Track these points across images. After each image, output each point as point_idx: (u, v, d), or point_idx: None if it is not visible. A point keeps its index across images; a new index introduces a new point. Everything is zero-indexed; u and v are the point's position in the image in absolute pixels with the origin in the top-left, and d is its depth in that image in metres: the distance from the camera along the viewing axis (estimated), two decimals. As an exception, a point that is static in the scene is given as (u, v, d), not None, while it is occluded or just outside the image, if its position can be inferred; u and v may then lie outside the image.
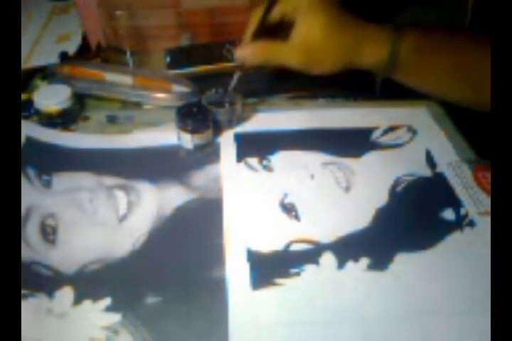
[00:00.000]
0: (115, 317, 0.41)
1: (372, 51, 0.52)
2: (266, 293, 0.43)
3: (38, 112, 0.60)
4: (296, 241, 0.47)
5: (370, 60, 0.53)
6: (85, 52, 0.72)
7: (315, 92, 0.66)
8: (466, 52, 0.53)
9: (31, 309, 0.41)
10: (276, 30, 0.53)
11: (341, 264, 0.45)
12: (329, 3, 0.51)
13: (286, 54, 0.52)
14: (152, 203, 0.51)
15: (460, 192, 0.52)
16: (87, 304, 0.42)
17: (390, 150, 0.57)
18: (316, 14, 0.50)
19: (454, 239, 0.47)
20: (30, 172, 0.53)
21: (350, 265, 0.45)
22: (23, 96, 0.63)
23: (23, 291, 0.42)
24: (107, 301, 0.42)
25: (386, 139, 0.59)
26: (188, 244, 0.47)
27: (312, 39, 0.50)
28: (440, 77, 0.54)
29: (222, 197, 0.51)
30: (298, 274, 0.44)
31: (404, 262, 0.45)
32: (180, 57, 0.69)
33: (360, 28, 0.52)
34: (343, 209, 0.50)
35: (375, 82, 0.60)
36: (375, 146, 0.58)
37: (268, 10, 0.52)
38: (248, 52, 0.52)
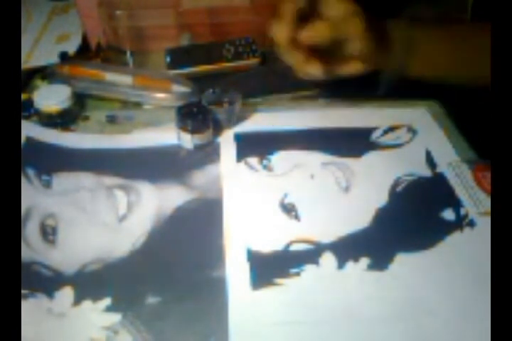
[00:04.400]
0: (115, 317, 0.41)
1: (393, 28, 0.54)
2: (266, 293, 0.43)
3: (38, 112, 0.60)
4: (296, 241, 0.47)
5: (393, 35, 0.54)
6: (85, 52, 0.72)
7: (315, 92, 0.66)
8: (464, 34, 0.57)
9: (31, 309, 0.41)
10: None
11: (341, 264, 0.45)
12: None
13: (348, 21, 0.51)
14: (152, 203, 0.51)
15: (460, 192, 0.52)
16: (87, 304, 0.42)
17: (390, 150, 0.57)
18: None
19: (454, 239, 0.47)
20: (30, 172, 0.53)
21: (350, 265, 0.45)
22: (23, 96, 0.63)
23: (23, 291, 0.42)
24: (107, 301, 0.42)
25: (386, 139, 0.59)
26: (188, 244, 0.47)
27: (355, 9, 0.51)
28: (444, 58, 0.57)
29: (222, 197, 0.51)
30: (298, 274, 0.44)
31: (404, 262, 0.45)
32: (180, 57, 0.69)
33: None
34: (343, 209, 0.50)
35: (378, 82, 0.60)
36: (375, 146, 0.58)
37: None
38: (313, 33, 0.50)
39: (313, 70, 0.52)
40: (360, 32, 0.51)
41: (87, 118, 0.63)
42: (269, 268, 0.45)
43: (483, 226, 0.48)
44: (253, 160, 0.56)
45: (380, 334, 0.40)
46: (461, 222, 0.49)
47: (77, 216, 0.49)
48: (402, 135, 0.59)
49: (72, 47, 0.72)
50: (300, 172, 0.54)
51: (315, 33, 0.50)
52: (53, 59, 0.69)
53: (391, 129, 0.60)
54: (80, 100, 0.63)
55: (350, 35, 0.51)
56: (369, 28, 0.51)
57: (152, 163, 0.56)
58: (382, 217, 0.50)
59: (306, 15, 0.51)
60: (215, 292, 0.43)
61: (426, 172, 0.55)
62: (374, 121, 0.61)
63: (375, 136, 0.59)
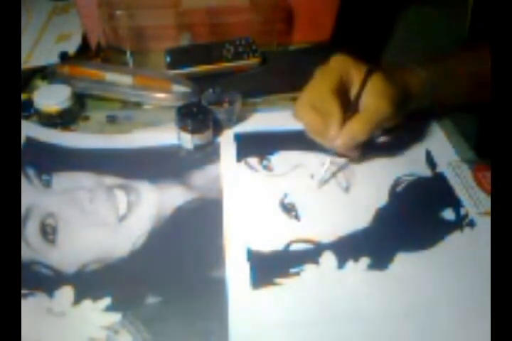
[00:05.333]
0: (115, 317, 0.41)
1: (414, 81, 0.54)
2: (266, 293, 0.43)
3: (38, 112, 0.60)
4: (296, 241, 0.47)
5: (416, 90, 0.54)
6: (85, 52, 0.72)
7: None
8: (474, 64, 0.57)
9: (31, 309, 0.41)
10: None
11: (341, 264, 0.45)
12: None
13: (379, 110, 0.50)
14: (152, 203, 0.51)
15: (460, 192, 0.52)
16: (87, 304, 0.42)
17: (390, 150, 0.57)
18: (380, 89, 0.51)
19: (454, 239, 0.47)
20: (30, 172, 0.53)
21: (350, 265, 0.45)
22: (23, 96, 0.63)
23: (23, 291, 0.42)
24: (107, 301, 0.42)
25: (386, 139, 0.59)
26: (188, 244, 0.47)
27: (379, 87, 0.51)
28: (462, 92, 0.58)
29: (222, 197, 0.51)
30: (298, 274, 0.44)
31: (404, 262, 0.45)
32: (180, 57, 0.69)
33: (398, 69, 0.55)
34: (343, 209, 0.50)
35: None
36: (375, 146, 0.58)
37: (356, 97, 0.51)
38: (348, 140, 0.49)
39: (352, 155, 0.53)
40: (392, 112, 0.50)
41: (87, 118, 0.63)
42: (269, 268, 0.45)
43: (483, 226, 0.48)
44: (253, 160, 0.56)
45: (380, 333, 0.40)
46: (461, 222, 0.49)
47: (77, 216, 0.49)
48: (402, 135, 0.59)
49: (72, 47, 0.72)
50: (300, 172, 0.54)
51: (351, 139, 0.49)
52: (53, 59, 0.70)
53: (391, 129, 0.60)
54: (80, 100, 0.63)
55: (384, 120, 0.51)
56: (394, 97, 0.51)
57: (152, 163, 0.56)
58: (382, 217, 0.50)
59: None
60: (215, 292, 0.43)
61: (426, 172, 0.55)
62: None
63: (375, 136, 0.59)
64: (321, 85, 0.51)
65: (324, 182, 0.53)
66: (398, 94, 0.51)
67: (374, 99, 0.50)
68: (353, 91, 0.52)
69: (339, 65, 0.52)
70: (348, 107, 0.51)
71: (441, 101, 0.57)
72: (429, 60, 0.57)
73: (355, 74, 0.51)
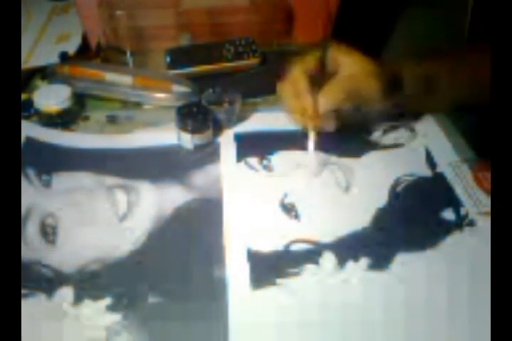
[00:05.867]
0: (115, 317, 0.41)
1: (408, 73, 0.54)
2: (266, 293, 0.43)
3: (38, 112, 0.60)
4: (296, 241, 0.47)
5: (408, 81, 0.54)
6: (85, 52, 0.72)
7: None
8: (475, 64, 0.56)
9: (31, 309, 0.41)
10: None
11: (341, 264, 0.45)
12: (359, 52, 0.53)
13: (357, 78, 0.51)
14: (152, 203, 0.51)
15: (460, 192, 0.52)
16: (87, 304, 0.42)
17: (390, 150, 0.57)
18: (357, 58, 0.52)
19: (454, 239, 0.47)
20: (30, 172, 0.53)
21: (350, 265, 0.45)
22: (23, 96, 0.63)
23: (23, 291, 0.42)
24: (107, 301, 0.42)
25: (386, 139, 0.59)
26: (188, 244, 0.47)
27: (366, 68, 0.51)
28: (462, 90, 0.57)
29: (222, 197, 0.51)
30: (298, 274, 0.44)
31: (404, 262, 0.45)
32: (180, 57, 0.69)
33: (392, 62, 0.55)
34: (343, 209, 0.50)
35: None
36: (375, 146, 0.58)
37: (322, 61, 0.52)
38: (325, 100, 0.51)
39: (328, 128, 0.54)
40: (376, 93, 0.51)
41: (87, 118, 0.63)
42: (269, 268, 0.45)
43: (483, 226, 0.48)
44: (253, 160, 0.56)
45: (380, 333, 0.40)
46: (461, 222, 0.49)
47: (77, 216, 0.49)
48: (402, 135, 0.59)
49: (72, 47, 0.72)
50: (300, 172, 0.54)
51: (330, 98, 0.50)
52: (53, 59, 0.70)
53: (391, 129, 0.60)
54: (80, 100, 0.63)
55: (366, 97, 0.52)
56: (381, 75, 0.51)
57: (152, 163, 0.56)
58: (382, 217, 0.50)
59: (317, 76, 0.52)
60: (215, 292, 0.43)
61: (426, 172, 0.55)
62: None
63: (375, 135, 0.59)
64: (296, 68, 0.53)
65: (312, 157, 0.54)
66: (377, 71, 0.51)
67: (349, 66, 0.51)
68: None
69: (318, 50, 0.53)
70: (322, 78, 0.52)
71: (438, 98, 0.56)
72: (428, 56, 0.57)
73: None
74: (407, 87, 0.54)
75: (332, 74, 0.52)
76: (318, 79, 0.52)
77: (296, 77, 0.52)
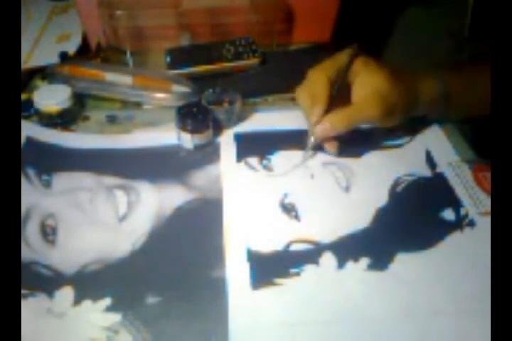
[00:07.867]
0: (115, 317, 0.41)
1: (426, 90, 0.54)
2: (266, 293, 0.43)
3: (38, 112, 0.60)
4: (296, 241, 0.47)
5: (425, 98, 0.54)
6: (85, 52, 0.72)
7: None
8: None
9: (31, 309, 0.41)
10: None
11: (341, 264, 0.45)
12: (378, 62, 0.53)
13: (365, 111, 0.51)
14: (152, 203, 0.51)
15: (460, 192, 0.52)
16: (87, 304, 0.42)
17: (390, 150, 0.57)
18: (373, 70, 0.52)
19: (454, 239, 0.47)
20: (30, 172, 0.53)
21: (350, 265, 0.45)
22: (23, 96, 0.63)
23: (23, 291, 0.42)
24: (107, 301, 0.42)
25: (386, 139, 0.59)
26: (188, 244, 0.47)
27: (378, 88, 0.51)
28: (482, 102, 0.56)
29: (222, 197, 0.51)
30: (298, 274, 0.44)
31: (404, 262, 0.45)
32: (180, 57, 0.69)
33: (411, 75, 0.55)
34: (343, 209, 0.50)
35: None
36: (375, 146, 0.58)
37: (335, 82, 0.52)
38: (327, 127, 0.51)
39: (331, 149, 0.55)
40: (378, 117, 0.51)
41: (87, 118, 0.63)
42: (269, 268, 0.45)
43: (483, 226, 0.48)
44: (253, 160, 0.56)
45: (380, 333, 0.40)
46: (461, 222, 0.49)
47: (77, 216, 0.49)
48: (402, 135, 0.59)
49: (72, 47, 0.72)
50: (300, 172, 0.54)
51: (332, 127, 0.51)
52: (53, 59, 0.70)
53: (391, 129, 0.60)
54: (80, 100, 0.63)
55: (368, 121, 0.53)
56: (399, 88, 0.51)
57: (152, 163, 0.56)
58: (382, 217, 0.50)
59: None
60: (215, 292, 0.43)
61: (426, 172, 0.55)
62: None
63: (375, 136, 0.59)
64: (321, 71, 0.53)
65: (308, 156, 0.55)
66: (396, 101, 0.51)
67: (365, 99, 0.51)
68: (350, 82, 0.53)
69: (345, 56, 0.53)
70: (339, 94, 0.52)
71: (459, 111, 0.57)
72: (447, 69, 0.57)
73: (356, 65, 0.52)
74: (424, 105, 0.54)
75: (346, 85, 0.53)
76: (336, 89, 0.52)
77: (315, 81, 0.52)
